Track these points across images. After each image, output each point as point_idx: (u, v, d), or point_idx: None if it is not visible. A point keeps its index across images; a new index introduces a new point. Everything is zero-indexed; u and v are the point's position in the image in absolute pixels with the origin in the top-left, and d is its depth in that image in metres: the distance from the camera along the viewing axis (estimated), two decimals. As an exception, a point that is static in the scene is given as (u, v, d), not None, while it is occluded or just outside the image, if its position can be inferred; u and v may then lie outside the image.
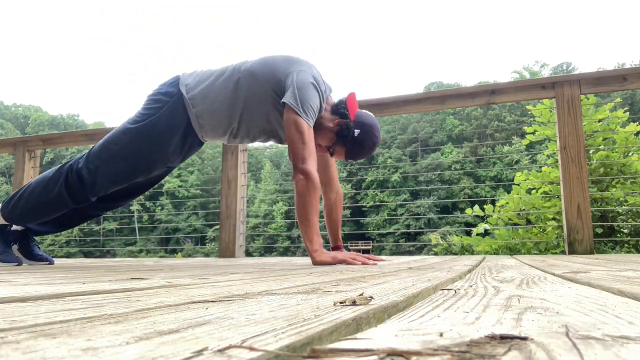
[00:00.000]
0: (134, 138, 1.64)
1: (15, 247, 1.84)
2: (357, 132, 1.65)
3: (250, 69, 1.66)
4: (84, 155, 1.70)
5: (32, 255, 1.86)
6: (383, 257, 2.25)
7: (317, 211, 1.55)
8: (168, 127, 1.66)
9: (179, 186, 41.82)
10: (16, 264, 1.73)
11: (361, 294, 0.47)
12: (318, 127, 1.67)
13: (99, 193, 1.67)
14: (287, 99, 1.56)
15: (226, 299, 0.44)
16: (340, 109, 1.69)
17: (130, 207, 35.36)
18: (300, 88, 1.57)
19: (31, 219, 1.77)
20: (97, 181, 1.64)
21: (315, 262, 1.50)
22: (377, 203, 36.98)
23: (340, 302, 0.40)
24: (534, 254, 3.76)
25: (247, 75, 1.65)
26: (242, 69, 1.67)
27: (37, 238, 1.97)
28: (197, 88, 1.68)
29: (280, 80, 1.61)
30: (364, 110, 1.74)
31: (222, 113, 1.67)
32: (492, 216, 4.64)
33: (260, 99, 1.65)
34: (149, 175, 1.76)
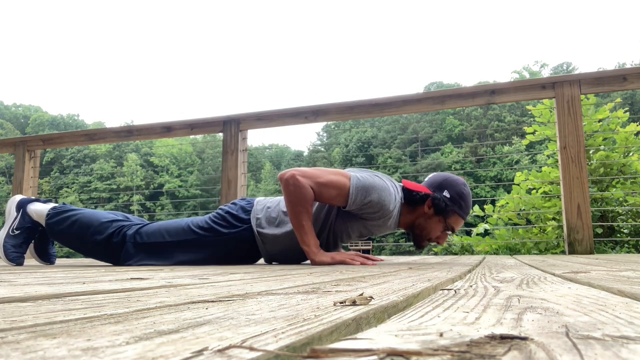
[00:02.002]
0: (190, 241, 1.65)
1: (31, 243, 1.84)
2: (445, 192, 1.60)
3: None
4: (140, 224, 1.71)
5: (44, 255, 1.85)
6: (383, 257, 2.25)
7: (309, 216, 1.54)
8: (229, 248, 1.67)
9: (179, 186, 41.79)
10: (16, 265, 1.73)
11: (361, 294, 0.47)
12: (419, 228, 1.64)
13: (130, 262, 1.65)
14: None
15: (226, 299, 0.44)
16: (413, 197, 1.62)
17: (131, 207, 35.34)
18: (373, 186, 1.53)
19: (61, 242, 1.80)
20: (136, 255, 1.65)
21: (315, 263, 1.50)
22: (377, 203, 36.93)
23: (340, 302, 0.40)
24: (534, 254, 3.76)
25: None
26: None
27: None
28: (269, 224, 1.67)
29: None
30: (422, 180, 1.72)
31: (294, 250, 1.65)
32: (492, 216, 4.64)
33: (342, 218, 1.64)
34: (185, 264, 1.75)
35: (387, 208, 1.54)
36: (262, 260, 1.93)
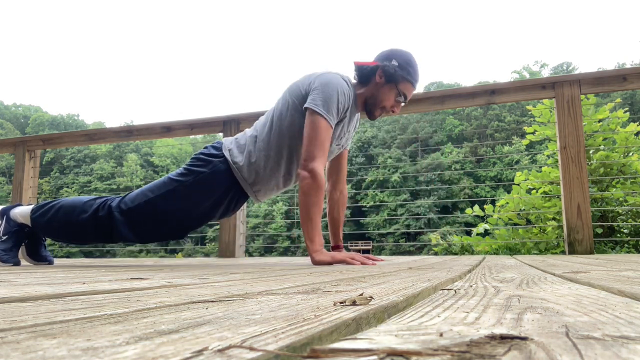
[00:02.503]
0: (172, 190, 1.65)
1: (22, 246, 1.84)
2: (393, 61, 1.66)
3: (280, 102, 1.70)
4: (120, 195, 1.72)
5: (37, 256, 1.86)
6: (383, 257, 2.25)
7: (320, 211, 1.56)
8: (211, 187, 1.68)
9: (179, 186, 41.70)
10: (13, 264, 1.73)
11: (361, 294, 0.47)
12: (372, 98, 1.70)
13: (123, 234, 1.65)
14: (308, 102, 1.58)
15: (226, 299, 0.44)
16: (363, 72, 1.69)
17: (130, 207, 35.27)
18: (323, 89, 1.58)
19: (51, 234, 1.79)
20: (126, 222, 1.64)
21: (315, 262, 1.50)
22: (377, 203, 36.97)
23: (340, 302, 0.40)
24: (534, 254, 3.76)
25: (281, 109, 1.68)
26: (273, 111, 1.72)
27: None
28: (241, 153, 1.70)
29: (307, 93, 1.62)
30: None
31: (272, 163, 1.68)
32: (492, 216, 4.64)
33: (300, 124, 1.65)
34: (181, 229, 1.74)
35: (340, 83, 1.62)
36: (261, 260, 1.93)
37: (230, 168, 1.68)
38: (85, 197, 1.74)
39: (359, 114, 1.84)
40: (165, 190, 1.65)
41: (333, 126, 1.59)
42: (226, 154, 1.69)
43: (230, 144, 1.73)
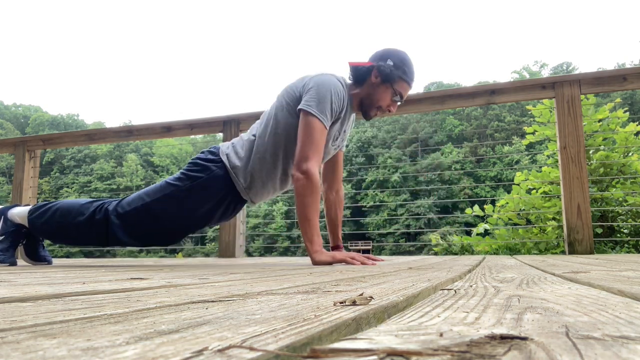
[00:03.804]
0: (169, 195, 1.65)
1: (21, 247, 1.84)
2: (388, 61, 1.65)
3: (276, 105, 1.70)
4: (118, 198, 1.72)
5: (35, 256, 1.86)
6: (383, 257, 2.25)
7: (317, 211, 1.55)
8: (208, 193, 1.67)
9: (179, 186, 41.68)
10: (9, 264, 1.73)
11: (361, 294, 0.47)
12: (368, 98, 1.70)
13: (119, 237, 1.65)
14: (302, 104, 1.58)
15: (226, 299, 0.44)
16: (358, 72, 1.69)
17: (130, 207, 35.27)
18: (317, 90, 1.58)
19: (47, 236, 1.79)
20: (122, 226, 1.64)
21: (315, 262, 1.50)
22: (377, 203, 36.98)
23: (340, 302, 0.40)
24: (534, 254, 3.76)
25: (276, 112, 1.68)
26: (268, 114, 1.71)
27: None
28: (239, 158, 1.70)
29: (301, 95, 1.62)
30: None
31: (269, 166, 1.68)
32: (492, 216, 4.64)
33: (295, 125, 1.64)
34: (177, 233, 1.74)
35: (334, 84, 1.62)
36: (261, 260, 1.93)
37: (227, 173, 1.68)
38: (82, 200, 1.74)
39: (354, 114, 1.84)
40: (162, 195, 1.65)
41: (327, 127, 1.59)
42: (223, 158, 1.69)
43: (227, 149, 1.73)
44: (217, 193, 1.68)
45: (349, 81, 1.73)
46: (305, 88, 1.62)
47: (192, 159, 1.76)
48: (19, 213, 1.78)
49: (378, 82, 1.67)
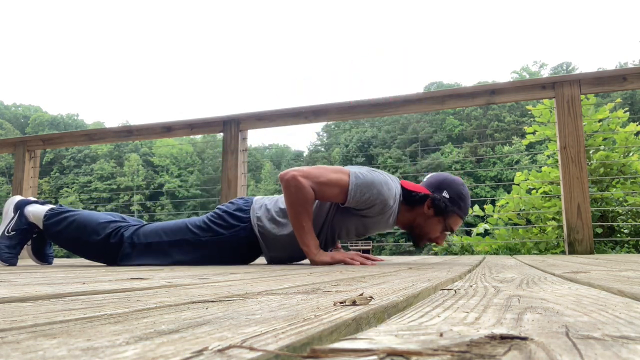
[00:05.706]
0: (186, 240, 1.65)
1: (28, 245, 1.84)
2: (445, 193, 1.59)
3: None
4: (138, 225, 1.71)
5: (40, 255, 1.85)
6: (383, 257, 2.25)
7: (309, 216, 1.54)
8: (227, 247, 1.67)
9: (179, 186, 41.76)
10: (9, 265, 1.73)
11: (361, 294, 0.47)
12: (419, 227, 1.65)
13: (129, 263, 1.64)
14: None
15: (226, 299, 0.44)
16: (412, 197, 1.62)
17: (131, 207, 35.33)
18: (371, 177, 1.54)
19: (59, 243, 1.78)
20: (134, 255, 1.64)
21: (315, 263, 1.50)
22: (377, 203, 36.91)
23: (340, 302, 0.40)
24: (534, 254, 3.76)
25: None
26: None
27: None
28: (270, 222, 1.67)
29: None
30: (421, 181, 1.71)
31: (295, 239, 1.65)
32: (492, 216, 4.64)
33: (328, 208, 1.64)
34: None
35: (387, 203, 1.54)
36: (261, 260, 1.93)
37: (252, 235, 1.67)
38: (101, 216, 1.73)
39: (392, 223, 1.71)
40: (180, 238, 1.65)
41: (347, 198, 1.51)
42: (253, 220, 1.67)
43: (259, 210, 1.69)
44: (235, 250, 1.68)
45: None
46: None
47: (222, 207, 1.74)
48: (35, 212, 1.76)
49: (431, 213, 1.61)
